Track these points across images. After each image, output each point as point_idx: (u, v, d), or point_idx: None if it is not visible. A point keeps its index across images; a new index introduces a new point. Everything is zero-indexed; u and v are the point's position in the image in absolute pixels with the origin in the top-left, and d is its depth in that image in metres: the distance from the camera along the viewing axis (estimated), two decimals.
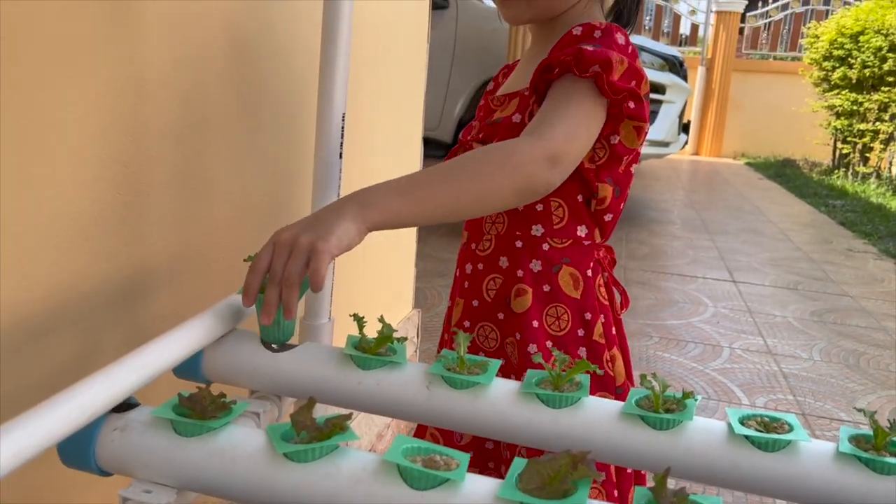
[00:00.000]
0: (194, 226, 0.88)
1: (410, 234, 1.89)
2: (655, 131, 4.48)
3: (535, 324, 0.88)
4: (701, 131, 9.37)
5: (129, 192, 0.76)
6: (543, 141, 0.73)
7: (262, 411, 0.65)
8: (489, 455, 0.97)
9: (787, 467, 0.55)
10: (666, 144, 4.67)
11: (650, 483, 0.49)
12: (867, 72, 6.90)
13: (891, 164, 7.05)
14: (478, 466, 0.97)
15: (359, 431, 1.50)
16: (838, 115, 7.39)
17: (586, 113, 0.78)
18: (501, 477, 0.53)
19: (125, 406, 0.55)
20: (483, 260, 0.93)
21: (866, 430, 0.58)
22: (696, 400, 0.61)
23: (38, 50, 0.63)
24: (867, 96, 6.99)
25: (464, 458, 0.49)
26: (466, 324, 0.95)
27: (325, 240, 0.61)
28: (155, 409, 0.54)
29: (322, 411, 0.68)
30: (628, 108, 0.80)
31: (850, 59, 7.10)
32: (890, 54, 6.63)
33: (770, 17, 9.96)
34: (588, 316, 0.89)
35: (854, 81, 7.10)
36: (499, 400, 0.62)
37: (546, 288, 0.89)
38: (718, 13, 9.20)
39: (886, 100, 6.69)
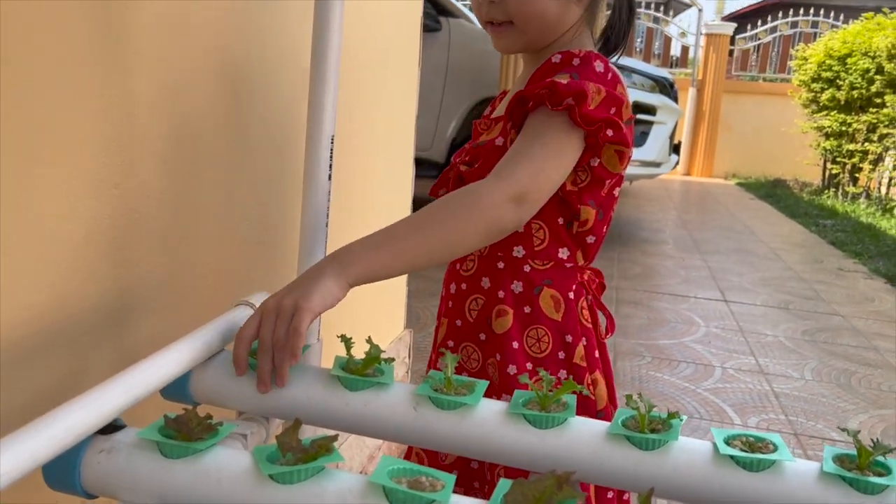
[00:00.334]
0: (184, 248, 0.88)
1: None
2: (646, 152, 4.51)
3: (516, 345, 0.89)
4: (692, 152, 9.44)
5: (119, 214, 0.76)
6: (506, 182, 0.76)
7: (249, 433, 0.65)
8: (474, 475, 0.97)
9: (771, 487, 0.56)
10: (657, 165, 4.70)
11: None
12: (855, 93, 6.98)
13: (880, 184, 7.11)
14: (463, 486, 0.97)
15: (349, 453, 1.50)
16: (827, 136, 7.47)
17: (557, 147, 0.80)
18: (487, 497, 0.53)
19: (111, 428, 0.55)
20: (466, 280, 0.94)
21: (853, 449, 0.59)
22: (681, 420, 0.61)
23: (29, 73, 0.64)
24: (855, 117, 7.07)
25: (449, 479, 0.50)
26: (450, 343, 0.95)
27: (307, 299, 0.65)
28: (141, 430, 0.54)
29: (311, 432, 0.68)
30: (606, 136, 0.81)
31: (838, 80, 7.19)
32: (877, 76, 6.71)
33: (759, 39, 10.08)
34: (569, 338, 0.90)
35: (842, 103, 7.18)
36: (486, 420, 0.63)
37: (527, 309, 0.89)
38: (708, 35, 9.31)
39: (874, 121, 6.77)
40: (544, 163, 0.79)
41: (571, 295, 0.90)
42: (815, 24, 9.74)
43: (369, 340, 0.67)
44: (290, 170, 1.11)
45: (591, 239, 0.90)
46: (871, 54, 6.77)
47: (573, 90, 0.78)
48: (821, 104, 7.48)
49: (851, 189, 7.24)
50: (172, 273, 0.86)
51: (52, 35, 0.66)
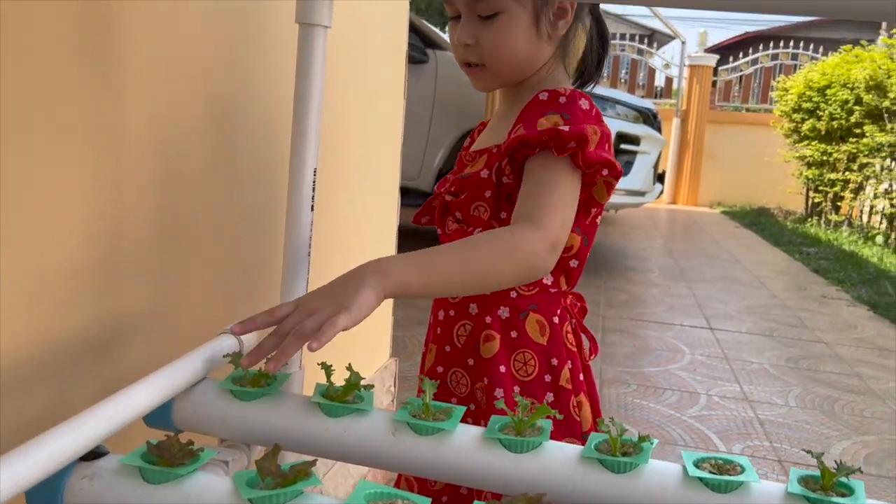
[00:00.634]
0: (169, 278, 0.90)
1: None
2: (631, 181, 4.57)
3: (503, 369, 0.91)
4: (677, 181, 9.55)
5: (104, 245, 0.78)
6: (544, 231, 0.80)
7: (230, 459, 0.66)
8: (463, 501, 0.98)
9: None
10: (642, 194, 4.76)
11: None
12: (835, 123, 7.12)
13: (861, 212, 7.21)
14: None
15: (334, 482, 1.50)
16: (809, 165, 7.59)
17: (572, 193, 0.85)
18: None
19: (94, 454, 0.56)
20: (454, 307, 0.96)
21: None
22: (651, 443, 0.63)
23: (17, 105, 0.66)
24: (836, 147, 7.19)
25: (425, 503, 0.51)
26: (439, 369, 0.97)
27: (347, 309, 0.67)
28: (123, 457, 0.55)
29: (293, 458, 0.69)
30: (602, 174, 0.86)
31: (818, 111, 7.32)
32: (856, 107, 6.84)
33: (741, 70, 10.27)
34: (555, 362, 0.92)
35: (823, 133, 7.31)
36: (463, 446, 0.64)
37: (513, 334, 0.92)
38: (691, 67, 9.48)
39: (854, 150, 6.89)
40: (567, 210, 0.84)
41: (556, 319, 0.93)
42: (794, 57, 9.95)
43: (349, 367, 0.69)
44: (275, 201, 1.13)
45: (574, 263, 0.93)
46: (850, 86, 6.92)
47: (575, 135, 0.83)
48: (802, 134, 7.61)
49: (834, 217, 7.34)
50: (157, 303, 0.87)
51: (41, 67, 0.68)
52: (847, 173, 7.07)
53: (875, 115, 6.60)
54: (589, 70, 0.99)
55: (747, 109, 10.19)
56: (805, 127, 7.50)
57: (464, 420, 0.69)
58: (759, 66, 10.17)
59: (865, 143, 6.64)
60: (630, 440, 0.64)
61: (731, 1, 0.71)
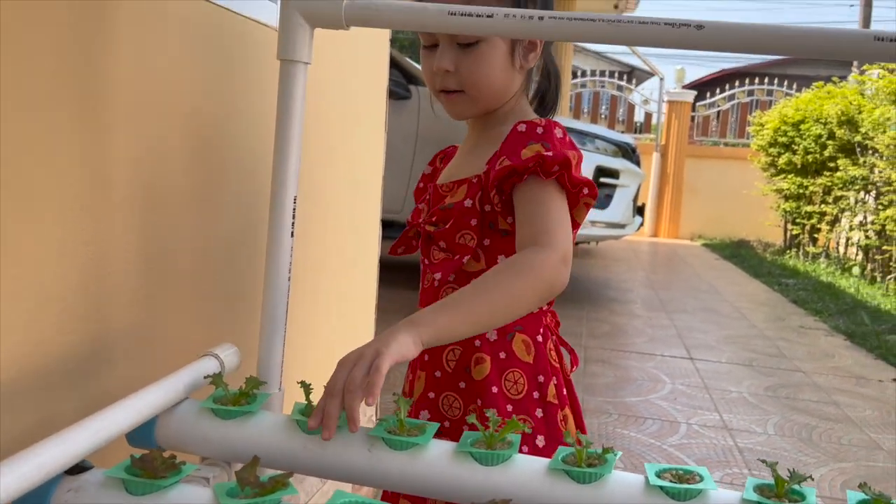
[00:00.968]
0: (153, 303, 0.92)
1: (368, 307, 1.93)
2: (611, 214, 4.64)
3: (495, 389, 0.94)
4: (658, 214, 9.68)
5: (90, 270, 0.80)
6: (554, 247, 0.85)
7: (211, 476, 0.68)
8: None
9: None
10: (622, 226, 4.83)
11: None
12: (810, 157, 7.28)
13: (838, 244, 7.34)
14: None
15: (323, 499, 1.50)
16: (786, 198, 7.73)
17: (564, 210, 0.91)
18: None
19: (79, 469, 0.59)
20: None
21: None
22: (615, 455, 0.66)
23: (7, 136, 0.69)
24: (811, 180, 7.34)
25: None
26: (431, 395, 1.00)
27: (387, 346, 0.70)
28: (108, 470, 0.57)
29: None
30: (583, 194, 0.92)
31: (793, 145, 7.49)
32: (829, 141, 7.01)
33: (718, 106, 10.50)
34: (541, 378, 0.96)
35: (799, 166, 7.46)
36: (436, 459, 0.67)
37: (502, 355, 0.95)
38: (670, 103, 9.68)
39: (829, 183, 7.03)
40: (566, 225, 0.89)
41: (539, 338, 0.97)
42: (770, 93, 10.20)
43: (326, 386, 0.71)
44: (256, 227, 1.16)
45: None
46: (823, 121, 7.09)
47: (559, 159, 0.88)
48: (779, 168, 7.77)
49: (812, 249, 7.46)
50: (141, 328, 0.90)
51: (32, 100, 0.72)
52: (823, 206, 7.21)
53: (848, 150, 6.76)
54: (551, 100, 1.05)
55: (725, 144, 10.40)
56: (781, 161, 7.66)
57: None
58: (735, 101, 10.41)
59: (839, 177, 6.78)
60: (595, 452, 0.67)
61: (697, 41, 0.75)
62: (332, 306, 1.61)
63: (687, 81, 10.88)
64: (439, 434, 0.74)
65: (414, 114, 4.20)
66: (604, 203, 4.59)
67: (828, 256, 7.22)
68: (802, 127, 7.34)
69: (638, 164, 5.10)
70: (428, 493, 0.67)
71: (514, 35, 0.86)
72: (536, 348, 0.96)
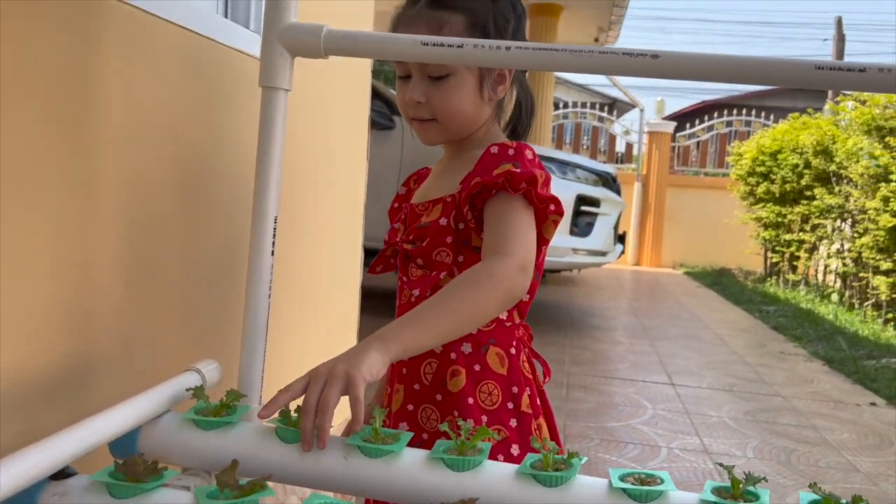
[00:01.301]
0: (138, 321, 0.95)
1: (349, 328, 1.96)
2: (593, 241, 4.70)
3: (471, 401, 0.97)
4: (640, 243, 9.78)
5: (77, 289, 0.83)
6: (511, 256, 0.89)
7: (192, 485, 0.70)
8: None
9: None
10: (603, 254, 4.89)
11: None
12: (787, 186, 7.41)
13: (817, 271, 7.45)
14: None
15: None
16: (766, 227, 7.85)
17: (528, 223, 0.94)
18: None
19: (64, 474, 0.61)
20: None
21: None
22: (581, 460, 0.69)
23: (2, 158, 0.72)
24: (789, 209, 7.47)
25: None
26: (409, 407, 1.03)
27: (358, 368, 0.73)
28: (93, 474, 0.60)
29: None
30: (550, 210, 0.96)
31: (771, 174, 7.63)
32: (805, 171, 7.15)
33: (698, 137, 10.69)
34: (515, 389, 0.99)
35: (777, 195, 7.60)
36: (409, 466, 0.70)
37: (477, 367, 0.99)
38: (650, 133, 9.84)
39: (807, 212, 7.16)
40: (527, 236, 0.93)
41: (513, 350, 1.01)
42: (748, 124, 10.41)
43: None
44: (239, 248, 1.19)
45: (525, 298, 1.02)
46: (799, 151, 7.24)
47: (526, 176, 0.93)
48: (757, 197, 7.90)
49: (791, 277, 7.56)
50: (126, 345, 0.92)
51: (22, 119, 0.75)
52: (801, 234, 7.33)
53: (823, 179, 6.90)
54: (523, 127, 1.09)
55: (705, 174, 10.57)
56: (760, 190, 7.80)
57: None
58: (714, 132, 10.61)
59: (816, 205, 6.91)
60: (561, 458, 0.70)
61: (669, 69, 0.79)
62: (314, 327, 1.64)
63: (667, 113, 11.10)
64: (418, 446, 0.77)
65: (398, 143, 4.26)
66: (585, 231, 4.65)
67: (807, 284, 7.32)
68: (780, 157, 7.49)
69: (618, 192, 5.19)
70: (402, 498, 0.70)
71: (482, 64, 0.90)
72: (510, 360, 1.00)
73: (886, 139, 5.50)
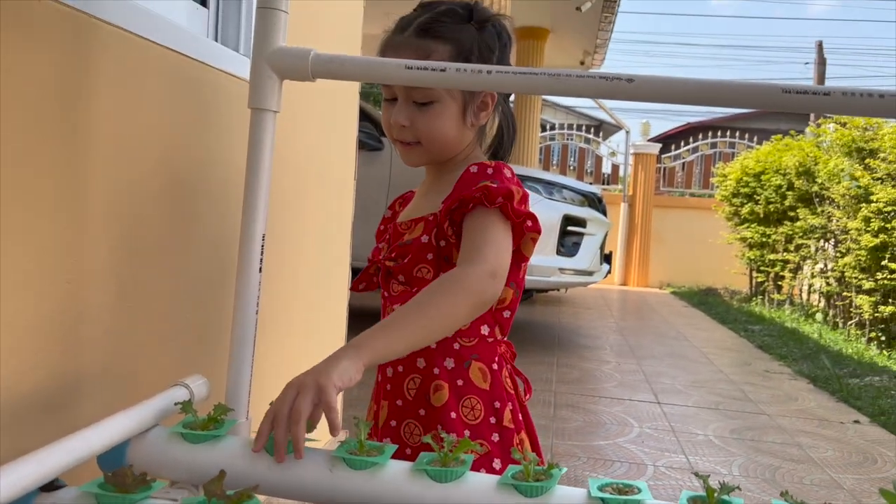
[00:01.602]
0: (127, 338, 0.96)
1: (337, 338, 1.97)
2: (579, 261, 4.74)
3: (453, 415, 0.99)
4: (627, 263, 9.84)
5: (68, 306, 0.85)
6: (480, 264, 0.91)
7: (180, 498, 0.71)
8: None
9: None
10: (590, 273, 4.92)
11: None
12: (771, 207, 7.50)
13: (801, 291, 7.52)
14: None
15: None
16: (751, 247, 7.93)
17: (504, 234, 0.97)
18: None
19: (53, 487, 0.62)
20: (402, 362, 1.04)
21: None
22: (560, 470, 0.71)
23: None
24: (774, 229, 7.56)
25: None
26: (393, 423, 1.04)
27: (328, 375, 0.74)
28: (82, 485, 0.61)
29: None
30: (527, 226, 0.98)
31: (755, 195, 7.72)
32: (788, 192, 7.24)
33: (683, 158, 10.81)
34: (497, 404, 1.01)
35: (761, 216, 7.68)
36: (393, 478, 0.71)
37: (459, 382, 1.01)
38: (636, 155, 9.95)
39: (790, 232, 7.24)
40: (501, 245, 0.95)
41: (495, 366, 1.03)
42: (732, 145, 10.55)
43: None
44: (227, 266, 1.21)
45: (507, 314, 1.04)
46: (782, 172, 7.34)
47: (502, 192, 0.95)
48: (742, 217, 7.99)
49: (777, 296, 7.63)
50: (115, 362, 0.93)
51: (14, 139, 0.77)
52: (786, 254, 7.41)
53: (806, 199, 6.99)
54: (504, 150, 1.13)
55: (691, 194, 10.67)
56: (744, 210, 7.88)
57: None
58: (699, 153, 10.74)
59: (800, 226, 6.99)
60: (542, 469, 0.71)
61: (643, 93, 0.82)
62: (302, 345, 1.65)
63: (652, 135, 11.23)
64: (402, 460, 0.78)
65: (386, 164, 4.30)
66: (572, 251, 4.68)
67: (792, 303, 7.39)
68: (763, 178, 7.58)
69: (604, 213, 5.23)
70: None
71: (464, 87, 0.93)
72: (492, 375, 1.02)
73: (866, 160, 5.60)
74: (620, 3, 7.15)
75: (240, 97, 1.17)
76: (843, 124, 6.02)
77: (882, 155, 5.46)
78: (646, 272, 9.83)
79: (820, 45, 15.63)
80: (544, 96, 10.02)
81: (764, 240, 7.65)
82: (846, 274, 5.87)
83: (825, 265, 6.65)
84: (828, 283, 6.49)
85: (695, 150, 10.69)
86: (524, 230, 0.98)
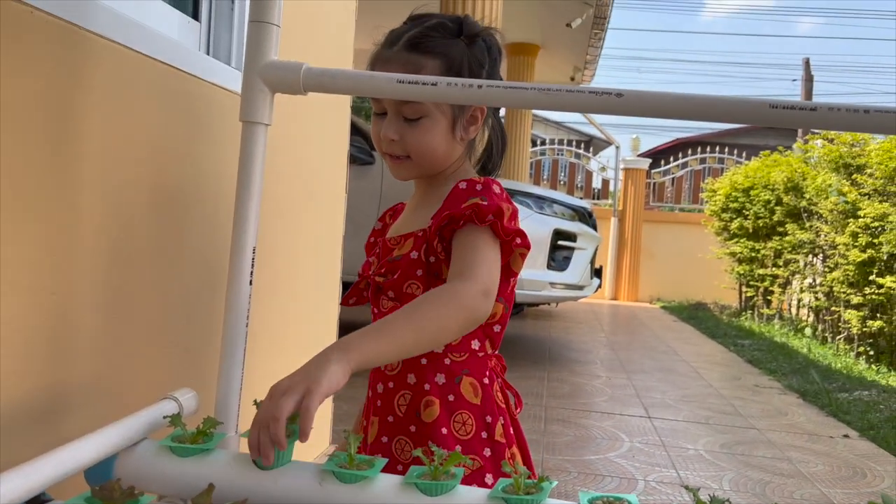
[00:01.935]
0: (116, 351, 0.95)
1: None
2: (570, 276, 4.75)
3: (444, 431, 0.98)
4: (618, 278, 9.87)
5: (55, 319, 0.84)
6: (474, 281, 0.91)
7: None
8: None
9: None
10: (580, 288, 4.93)
11: None
12: (760, 222, 7.56)
13: (790, 305, 7.56)
14: None
15: None
16: (740, 262, 7.98)
17: (494, 253, 0.97)
18: None
19: (40, 501, 0.61)
20: (392, 379, 1.04)
21: None
22: (551, 483, 0.71)
23: None
24: (763, 244, 7.60)
25: None
26: (384, 439, 1.04)
27: (318, 382, 0.73)
28: (69, 500, 0.60)
29: None
30: (517, 243, 0.99)
31: (744, 210, 7.78)
32: (777, 207, 7.30)
33: (672, 173, 10.89)
34: (489, 419, 1.01)
35: (750, 231, 7.73)
36: (383, 491, 0.71)
37: (450, 397, 1.00)
38: (626, 170, 10.00)
39: (779, 247, 7.29)
40: (492, 264, 0.96)
41: (486, 380, 1.03)
42: (721, 161, 10.63)
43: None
44: (217, 279, 1.21)
45: (497, 329, 1.04)
46: (771, 187, 7.40)
47: (493, 209, 0.96)
48: (731, 232, 8.04)
49: (766, 311, 7.66)
50: (103, 374, 0.93)
51: (2, 150, 0.77)
52: (775, 269, 7.45)
53: (795, 214, 7.04)
54: (493, 164, 1.13)
55: (680, 209, 10.73)
56: (733, 225, 7.93)
57: None
58: (688, 169, 10.81)
59: (788, 241, 7.04)
60: (532, 482, 0.71)
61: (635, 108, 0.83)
62: (292, 358, 1.64)
63: (642, 150, 11.30)
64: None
65: (378, 178, 4.31)
66: (562, 265, 4.69)
67: (781, 318, 7.42)
68: (752, 193, 7.64)
69: (594, 227, 5.25)
70: None
71: (455, 101, 0.94)
72: (483, 390, 1.02)
73: (854, 176, 5.65)
74: (610, 20, 7.22)
75: (231, 110, 1.17)
76: (831, 140, 6.08)
77: (869, 171, 5.51)
78: (636, 287, 9.86)
79: (807, 63, 15.82)
80: (535, 111, 10.09)
81: (753, 254, 7.70)
82: (834, 289, 5.91)
83: (814, 280, 6.69)
84: (816, 298, 6.52)
85: (684, 165, 10.77)
86: (513, 247, 0.99)
